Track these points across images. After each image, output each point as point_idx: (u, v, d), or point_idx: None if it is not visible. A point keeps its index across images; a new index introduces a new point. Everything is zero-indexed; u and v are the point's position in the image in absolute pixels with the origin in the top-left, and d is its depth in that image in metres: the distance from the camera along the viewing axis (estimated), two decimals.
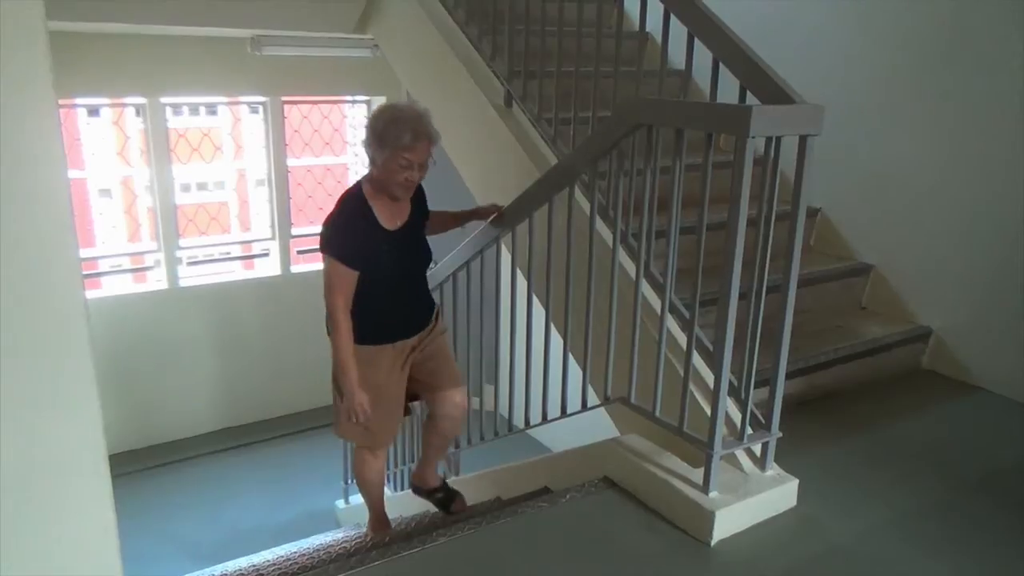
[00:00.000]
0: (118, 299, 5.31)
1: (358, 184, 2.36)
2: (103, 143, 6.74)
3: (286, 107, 5.60)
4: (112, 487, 1.29)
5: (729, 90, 1.94)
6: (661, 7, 2.10)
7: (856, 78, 2.91)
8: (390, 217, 2.34)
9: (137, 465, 5.17)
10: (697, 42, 2.01)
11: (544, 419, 2.56)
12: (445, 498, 2.88)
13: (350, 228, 2.26)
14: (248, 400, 5.83)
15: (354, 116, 6.21)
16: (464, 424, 2.84)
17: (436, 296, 3.13)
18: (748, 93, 1.87)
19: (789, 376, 2.11)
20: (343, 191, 2.40)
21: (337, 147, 6.40)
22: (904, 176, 2.83)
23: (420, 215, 2.46)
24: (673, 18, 2.08)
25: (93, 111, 5.75)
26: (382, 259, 2.30)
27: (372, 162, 2.27)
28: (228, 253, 6.29)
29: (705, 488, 1.88)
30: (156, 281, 5.50)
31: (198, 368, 5.62)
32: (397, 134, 2.18)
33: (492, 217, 2.62)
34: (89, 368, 1.23)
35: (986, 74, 2.57)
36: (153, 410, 5.48)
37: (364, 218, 2.29)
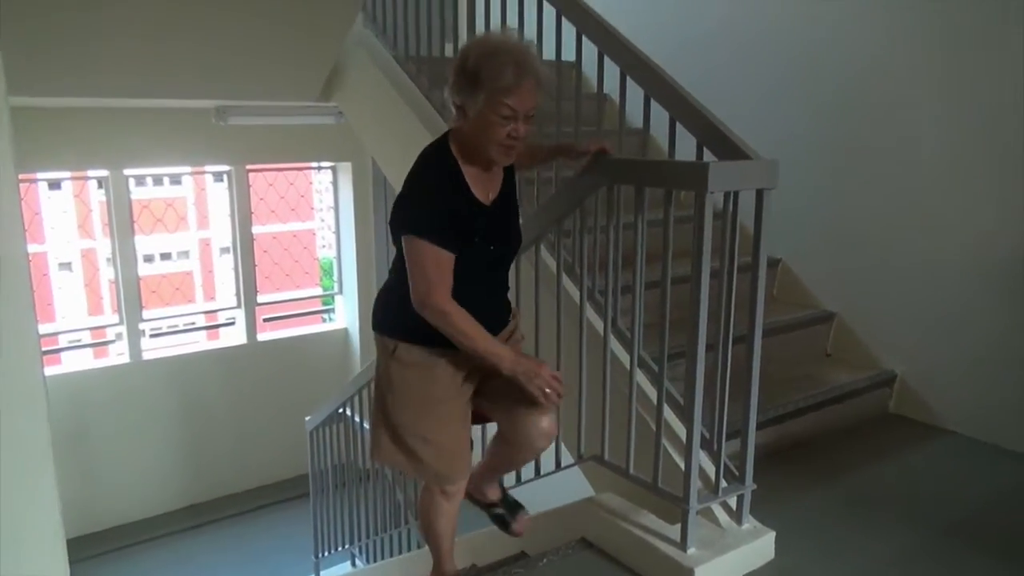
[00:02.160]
0: (78, 375, 5.18)
1: (441, 139, 1.80)
2: (64, 216, 6.69)
3: (251, 175, 5.62)
4: (70, 573, 1.24)
5: (687, 145, 2.00)
6: (618, 70, 2.17)
7: (812, 133, 3.01)
8: (482, 187, 1.79)
9: (98, 548, 4.95)
10: (654, 102, 2.08)
11: (518, 481, 2.52)
12: (505, 514, 2.28)
13: (439, 197, 1.71)
14: (214, 475, 5.66)
15: (320, 181, 6.24)
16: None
17: None
18: (705, 149, 1.93)
19: (760, 426, 2.12)
20: (419, 155, 1.82)
21: (303, 213, 6.41)
22: (861, 226, 2.91)
23: (512, 183, 1.91)
24: (630, 79, 2.15)
25: (54, 184, 5.72)
26: (475, 242, 1.76)
27: (460, 113, 1.72)
28: (192, 323, 6.22)
29: (683, 545, 1.86)
30: (117, 355, 5.39)
31: (161, 444, 5.47)
32: (495, 71, 1.63)
33: (588, 159, 2.04)
34: (47, 448, 1.19)
35: (936, 129, 2.68)
36: (114, 489, 5.29)
37: (456, 186, 1.74)
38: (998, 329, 2.55)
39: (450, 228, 1.69)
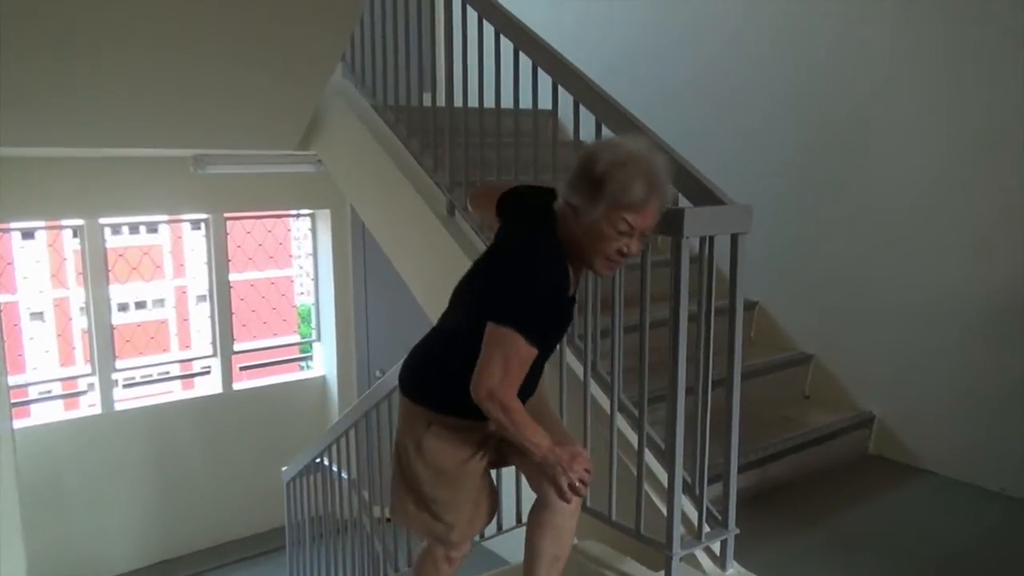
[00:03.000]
0: (48, 427, 5.05)
1: (550, 227, 1.66)
2: (37, 266, 6.61)
3: (229, 222, 5.60)
4: None
5: None
6: (593, 118, 2.21)
7: (788, 178, 3.08)
8: (573, 282, 1.71)
9: None
10: None
11: (499, 529, 2.48)
12: None
13: (554, 301, 1.62)
14: (187, 529, 5.51)
15: (299, 228, 6.24)
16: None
17: (385, 406, 3.08)
18: (681, 195, 1.96)
19: (742, 469, 2.11)
20: (523, 233, 1.68)
21: (281, 260, 6.39)
22: (837, 269, 2.96)
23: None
24: (605, 127, 2.19)
25: (28, 234, 5.66)
26: (553, 336, 1.72)
27: (571, 212, 1.61)
28: (167, 372, 6.11)
29: None
30: (89, 406, 5.27)
31: (133, 497, 5.32)
32: (624, 184, 1.53)
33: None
34: (14, 503, 1.16)
35: (911, 174, 2.75)
36: (84, 545, 5.12)
37: (567, 288, 1.64)
38: (974, 370, 2.59)
39: (548, 327, 1.63)
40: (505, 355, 1.56)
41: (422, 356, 1.83)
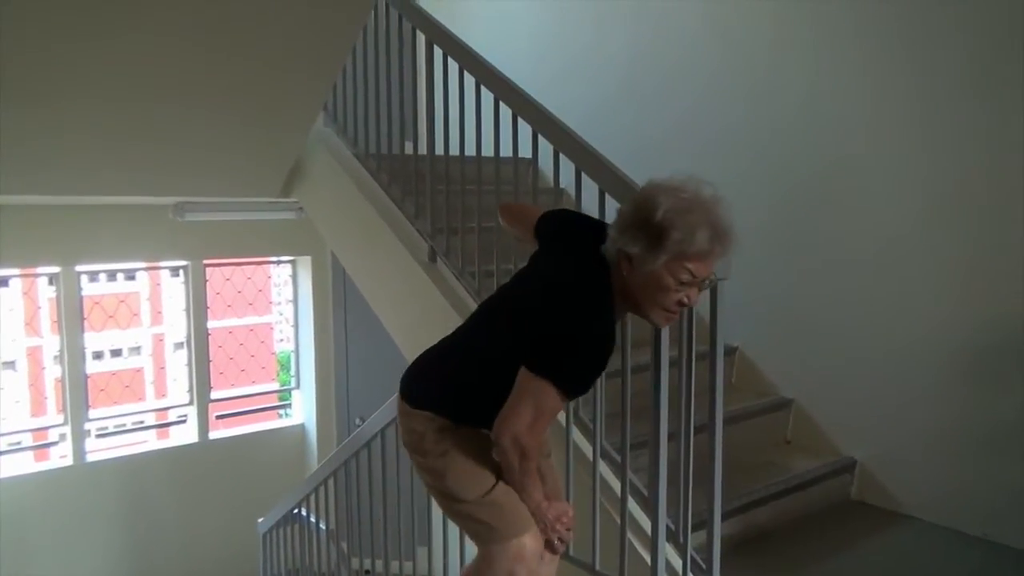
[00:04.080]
0: (16, 480, 4.90)
1: (603, 277, 1.56)
2: (10, 314, 6.51)
3: (208, 269, 5.57)
4: None
5: None
6: (573, 166, 2.25)
7: (767, 223, 3.12)
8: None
9: None
10: (608, 196, 2.14)
11: None
12: None
13: (601, 353, 1.51)
14: None
15: (279, 275, 6.22)
16: None
17: (364, 455, 3.04)
18: None
19: (725, 516, 2.09)
20: (577, 279, 1.58)
21: (261, 307, 6.35)
22: (816, 314, 2.98)
23: None
24: (584, 175, 2.22)
25: (1, 282, 5.58)
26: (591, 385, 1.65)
27: (628, 262, 1.52)
28: (142, 422, 6.00)
29: None
30: (60, 457, 5.14)
31: (105, 550, 5.16)
32: (689, 232, 1.45)
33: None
34: None
35: (890, 220, 2.80)
36: None
37: (611, 341, 1.54)
38: (953, 415, 2.60)
39: (589, 385, 1.58)
40: (537, 406, 1.50)
41: (452, 377, 1.71)
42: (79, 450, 5.06)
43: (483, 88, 2.60)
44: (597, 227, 1.67)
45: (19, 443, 5.61)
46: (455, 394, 1.69)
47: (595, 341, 1.50)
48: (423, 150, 2.97)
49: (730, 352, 3.19)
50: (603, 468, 2.06)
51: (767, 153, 3.12)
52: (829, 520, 2.70)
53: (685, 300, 1.51)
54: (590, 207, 2.23)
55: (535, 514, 1.65)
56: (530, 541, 1.68)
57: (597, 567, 1.98)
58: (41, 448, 5.51)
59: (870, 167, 2.81)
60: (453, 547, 2.62)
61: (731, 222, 1.51)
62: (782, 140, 3.08)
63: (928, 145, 2.65)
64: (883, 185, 2.77)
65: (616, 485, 2.06)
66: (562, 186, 2.40)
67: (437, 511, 2.87)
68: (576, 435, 2.13)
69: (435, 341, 2.38)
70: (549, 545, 1.68)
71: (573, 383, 1.52)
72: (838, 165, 2.90)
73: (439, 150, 2.87)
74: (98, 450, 5.25)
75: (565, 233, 1.77)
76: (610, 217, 2.15)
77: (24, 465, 5.29)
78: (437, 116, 2.88)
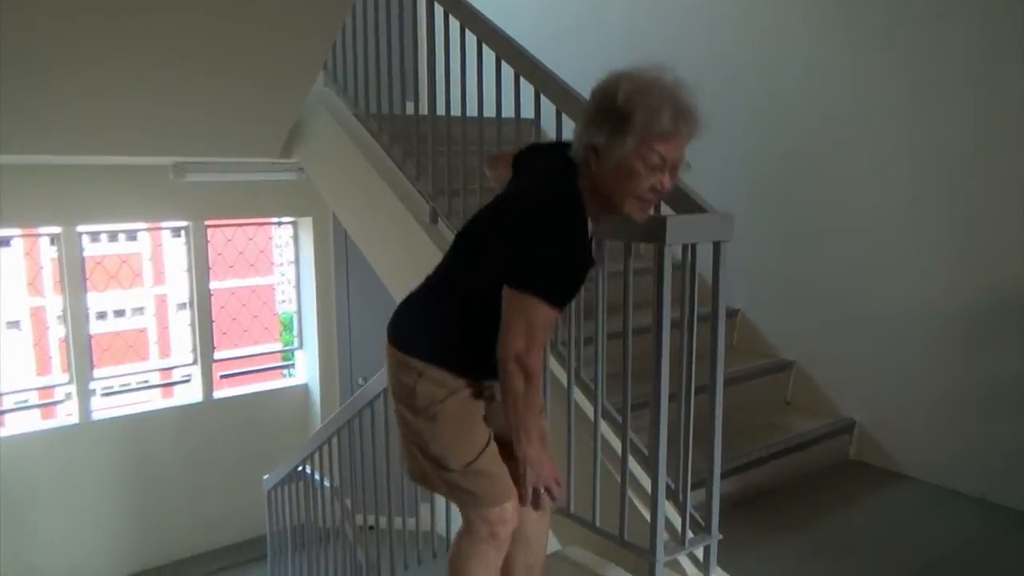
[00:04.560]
0: (24, 437, 4.97)
1: (570, 184, 1.55)
2: (13, 274, 6.52)
3: (210, 230, 5.56)
4: None
5: None
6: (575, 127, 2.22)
7: (770, 186, 3.11)
8: (591, 231, 1.62)
9: None
10: None
11: None
12: None
13: (579, 263, 1.52)
14: (166, 538, 5.44)
15: (280, 236, 6.21)
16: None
17: (367, 414, 3.07)
18: (663, 203, 1.97)
19: (725, 475, 2.12)
20: (540, 187, 1.59)
21: (263, 268, 6.35)
22: (818, 276, 2.98)
23: None
24: None
25: (3, 241, 5.58)
26: (574, 292, 1.61)
27: (592, 156, 1.51)
28: (146, 381, 6.05)
29: None
30: (66, 415, 5.20)
31: (111, 507, 5.25)
32: (650, 112, 1.43)
33: None
34: None
35: (894, 181, 2.78)
36: (61, 556, 5.04)
37: (585, 243, 1.55)
38: (952, 376, 2.62)
39: (572, 290, 1.56)
40: (528, 322, 1.49)
41: (412, 305, 1.72)
42: (85, 408, 5.12)
43: (484, 47, 2.56)
44: (566, 145, 1.63)
45: (26, 401, 5.67)
46: (439, 332, 1.66)
47: (568, 244, 1.49)
48: (424, 110, 2.94)
49: (732, 314, 3.20)
50: (604, 428, 2.08)
51: (769, 117, 3.09)
52: (828, 480, 2.74)
53: (658, 186, 1.49)
54: None
55: (527, 458, 1.61)
56: (512, 505, 1.69)
57: (597, 524, 2.01)
58: (48, 406, 5.58)
59: (872, 132, 2.78)
60: (454, 505, 2.66)
61: (696, 105, 1.48)
62: (783, 104, 3.04)
63: (928, 110, 2.62)
64: (884, 150, 2.75)
65: (617, 444, 2.08)
66: None
67: None
68: (578, 395, 2.15)
69: None
70: (535, 496, 1.64)
71: (555, 291, 1.49)
72: (840, 130, 2.87)
73: (440, 110, 2.84)
74: (104, 409, 5.31)
75: (533, 156, 1.76)
76: None
77: (32, 423, 5.36)
78: (438, 75, 2.85)
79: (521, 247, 1.50)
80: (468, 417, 1.66)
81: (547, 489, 1.65)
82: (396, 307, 1.77)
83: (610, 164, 1.48)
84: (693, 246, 1.85)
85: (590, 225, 1.57)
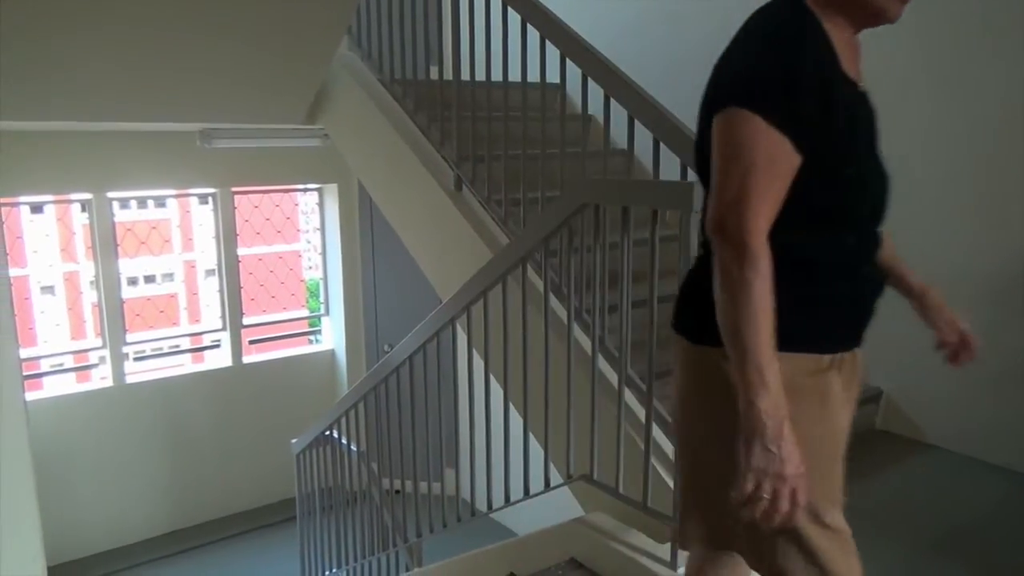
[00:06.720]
0: (60, 399, 5.11)
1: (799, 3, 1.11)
2: (46, 239, 6.64)
3: (236, 197, 5.61)
4: None
5: (672, 166, 2.01)
6: (601, 91, 2.19)
7: None
8: (852, 61, 1.18)
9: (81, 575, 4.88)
10: (637, 122, 2.10)
11: (507, 501, 2.50)
12: None
13: (804, 57, 1.07)
14: (198, 500, 5.59)
15: (306, 203, 6.24)
16: None
17: (393, 380, 3.09)
18: (689, 169, 1.94)
19: None
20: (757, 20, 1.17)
21: (289, 235, 6.40)
22: None
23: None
24: (614, 101, 2.17)
25: (36, 208, 5.68)
26: (856, 144, 1.18)
27: None
28: (177, 346, 6.16)
29: (673, 564, 1.86)
30: (100, 379, 5.33)
31: (144, 468, 5.40)
32: None
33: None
34: (28, 474, 1.18)
35: (925, 147, 2.72)
36: (96, 515, 5.21)
37: (822, 48, 1.10)
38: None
39: (810, 101, 1.03)
40: (739, 153, 1.00)
41: (688, 285, 1.30)
42: (118, 372, 5.24)
43: (510, 10, 2.52)
44: None
45: (61, 364, 5.81)
46: (695, 297, 1.22)
47: (792, 37, 1.07)
48: (449, 76, 2.91)
49: None
50: (628, 396, 2.08)
51: None
52: (853, 448, 2.70)
53: None
54: (619, 132, 2.19)
55: (752, 429, 1.03)
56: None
57: (621, 490, 2.02)
58: (82, 370, 5.71)
59: (911, 89, 2.70)
60: (480, 469, 2.69)
61: None
62: None
63: (970, 69, 2.54)
64: (928, 110, 2.68)
65: (641, 412, 2.09)
66: (590, 112, 2.35)
67: (464, 436, 2.94)
68: (602, 363, 2.14)
69: (461, 269, 2.40)
70: (754, 494, 1.03)
71: (776, 100, 1.01)
72: (878, 88, 2.79)
73: (465, 75, 2.81)
74: (137, 372, 5.43)
75: None
76: (640, 141, 2.11)
77: (67, 385, 5.50)
78: (462, 40, 2.81)
79: (724, 67, 1.14)
80: (809, 433, 1.18)
81: (778, 507, 1.02)
82: None
83: None
84: None
85: (845, 51, 1.14)
